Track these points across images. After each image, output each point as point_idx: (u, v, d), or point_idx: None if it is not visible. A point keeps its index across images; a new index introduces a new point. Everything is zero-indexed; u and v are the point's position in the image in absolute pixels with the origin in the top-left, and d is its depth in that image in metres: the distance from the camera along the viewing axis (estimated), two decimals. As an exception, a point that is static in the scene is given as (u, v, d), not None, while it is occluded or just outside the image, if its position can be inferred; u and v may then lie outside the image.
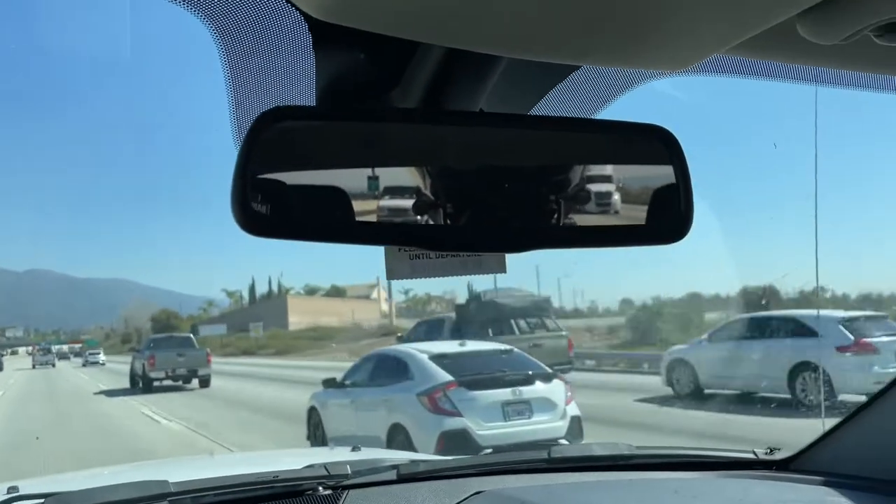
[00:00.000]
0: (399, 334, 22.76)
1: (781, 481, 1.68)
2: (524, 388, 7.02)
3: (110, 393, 21.91)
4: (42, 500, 1.51)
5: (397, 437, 6.96)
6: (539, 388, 7.16)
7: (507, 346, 8.15)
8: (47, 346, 73.06)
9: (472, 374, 7.09)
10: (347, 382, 8.41)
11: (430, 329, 17.28)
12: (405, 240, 0.81)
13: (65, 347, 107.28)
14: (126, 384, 23.45)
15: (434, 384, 6.92)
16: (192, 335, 26.49)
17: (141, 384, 22.04)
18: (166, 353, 21.95)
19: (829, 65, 0.89)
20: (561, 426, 6.91)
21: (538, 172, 0.91)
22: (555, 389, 7.25)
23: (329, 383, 8.68)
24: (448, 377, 6.96)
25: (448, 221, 0.82)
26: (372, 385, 7.90)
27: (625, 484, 1.72)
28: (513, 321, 16.55)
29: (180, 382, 22.23)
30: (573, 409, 7.24)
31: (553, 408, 7.02)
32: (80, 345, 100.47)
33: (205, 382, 22.15)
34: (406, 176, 0.83)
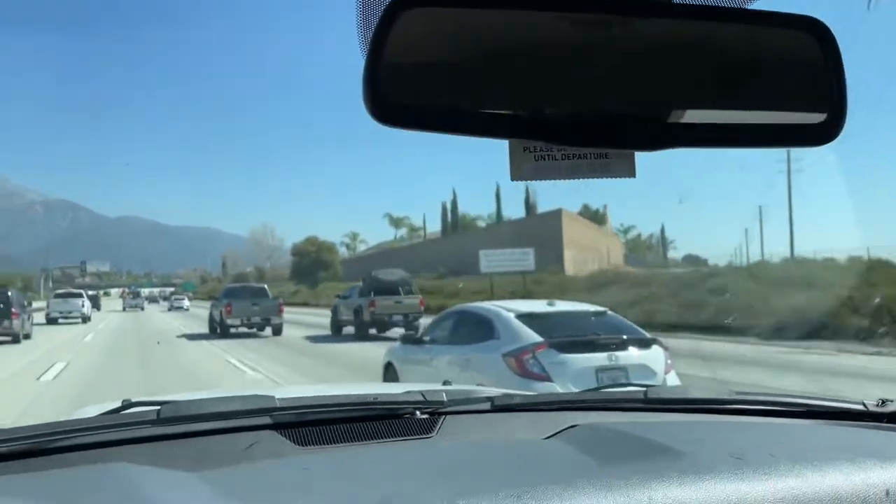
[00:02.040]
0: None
1: (893, 432, 1.60)
2: (620, 353, 6.41)
3: (190, 336, 23.73)
4: (157, 408, 1.57)
5: (479, 399, 6.48)
6: (636, 353, 6.54)
7: (601, 308, 7.51)
8: (136, 290, 77.00)
9: (563, 335, 6.51)
10: (426, 339, 7.96)
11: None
12: (534, 133, 0.77)
13: (155, 291, 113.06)
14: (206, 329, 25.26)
15: (521, 345, 6.37)
16: (265, 286, 26.91)
17: (218, 330, 23.63)
18: (242, 302, 23.21)
19: None
20: (659, 396, 6.28)
21: (678, 65, 0.85)
22: (654, 356, 6.61)
23: (407, 339, 8.29)
24: (537, 338, 6.40)
25: (581, 115, 0.79)
26: (453, 343, 7.42)
27: (726, 425, 1.67)
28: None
29: (255, 330, 23.66)
30: (673, 379, 6.60)
31: (651, 375, 6.38)
32: (171, 288, 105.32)
33: (277, 330, 23.28)
34: (540, 65, 0.80)
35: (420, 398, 1.73)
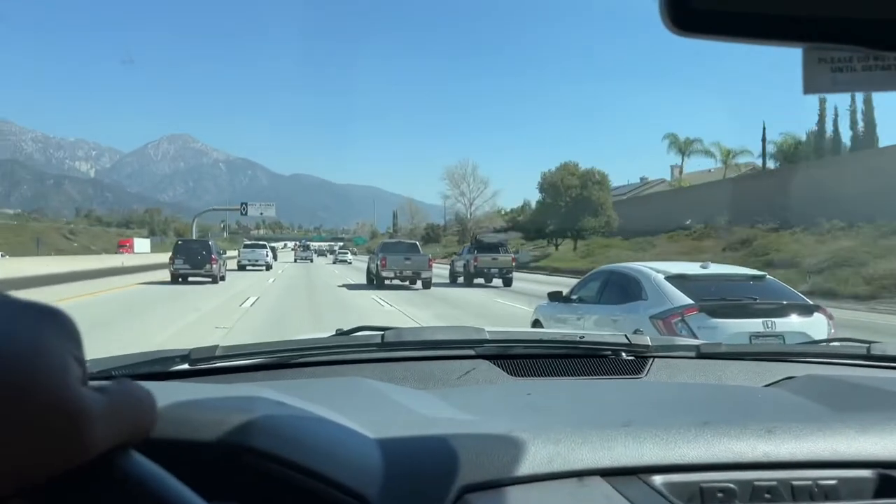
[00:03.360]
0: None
1: None
2: (777, 320, 6.05)
3: (350, 286, 26.09)
4: (381, 333, 1.70)
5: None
6: (795, 320, 6.15)
7: (760, 272, 7.13)
8: (306, 244, 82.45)
9: (716, 299, 6.27)
10: (574, 297, 7.94)
11: None
12: (838, 37, 0.67)
13: (324, 245, 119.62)
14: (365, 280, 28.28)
15: (670, 307, 6.20)
16: (416, 242, 29.49)
17: (374, 281, 25.47)
18: (396, 256, 25.02)
19: None
20: (819, 366, 5.91)
21: None
22: (815, 323, 6.19)
23: (555, 296, 8.27)
24: (687, 300, 6.20)
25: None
26: (600, 302, 7.36)
27: None
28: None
29: (407, 282, 25.31)
30: (837, 349, 6.17)
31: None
32: (340, 243, 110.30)
33: (426, 284, 25.02)
34: None
35: (625, 340, 1.76)
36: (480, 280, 28.02)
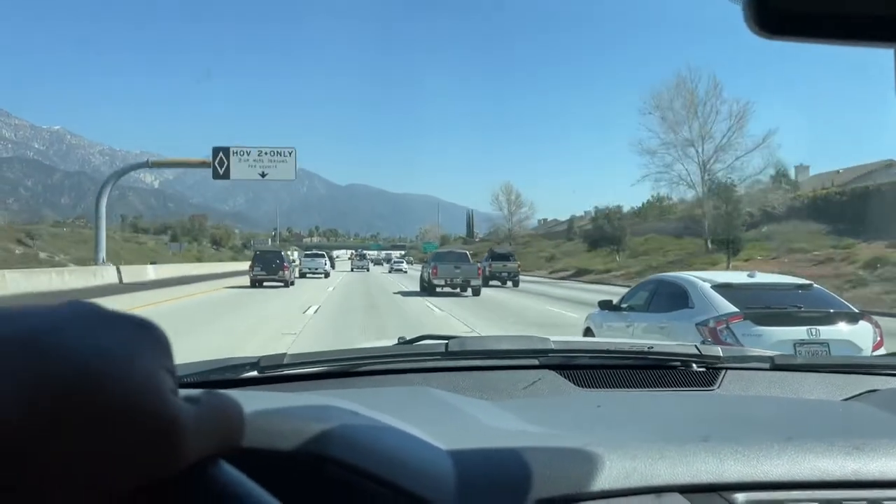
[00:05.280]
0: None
1: None
2: (822, 328, 6.20)
3: (405, 293, 27.41)
4: (445, 342, 1.71)
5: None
6: (841, 328, 6.30)
7: (807, 281, 7.28)
8: (363, 253, 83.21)
9: (761, 307, 6.47)
10: (624, 306, 8.21)
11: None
12: None
13: (382, 254, 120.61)
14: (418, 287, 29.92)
15: (715, 315, 6.43)
16: (467, 252, 30.71)
17: (427, 288, 26.93)
18: (446, 265, 26.33)
19: None
20: (865, 373, 6.04)
21: None
22: (860, 331, 6.32)
23: (605, 305, 8.56)
24: (732, 308, 6.41)
25: None
26: (649, 311, 7.61)
27: None
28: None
29: (457, 290, 26.51)
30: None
31: (856, 352, 6.14)
32: (399, 252, 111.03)
33: (476, 291, 26.13)
34: None
35: (695, 351, 1.72)
36: (496, 283, 33.99)
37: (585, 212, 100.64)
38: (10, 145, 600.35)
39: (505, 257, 35.70)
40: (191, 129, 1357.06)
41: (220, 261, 69.76)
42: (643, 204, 74.26)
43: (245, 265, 45.57)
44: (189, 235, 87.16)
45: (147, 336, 0.44)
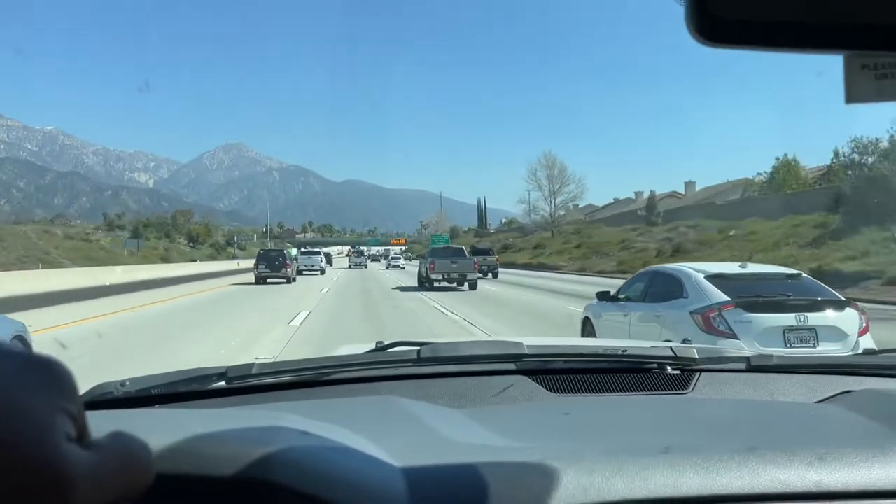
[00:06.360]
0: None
1: None
2: (810, 315, 6.53)
3: (402, 288, 28.61)
4: (417, 348, 1.70)
5: (668, 353, 6.95)
6: (828, 315, 6.62)
7: (796, 271, 7.60)
8: (360, 250, 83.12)
9: (752, 296, 6.79)
10: (621, 296, 8.54)
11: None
12: (881, 43, 0.65)
13: (380, 250, 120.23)
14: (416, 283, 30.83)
15: (708, 303, 6.75)
16: (464, 247, 31.67)
17: (425, 283, 27.63)
18: (443, 260, 27.04)
19: None
20: (850, 358, 6.35)
21: None
22: (847, 318, 6.65)
23: (603, 296, 8.88)
24: (724, 297, 6.74)
25: None
26: (645, 301, 7.94)
27: None
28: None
29: (454, 284, 27.21)
30: (867, 341, 6.59)
31: (843, 338, 6.48)
32: (398, 248, 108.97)
33: (473, 286, 26.81)
34: None
35: (670, 353, 1.69)
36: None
37: (636, 192, 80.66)
38: (2, 146, 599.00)
39: (485, 252, 39.88)
40: (187, 128, 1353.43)
41: (193, 260, 63.08)
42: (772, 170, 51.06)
43: (225, 265, 46.45)
44: (161, 231, 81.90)
45: (39, 375, 0.40)
